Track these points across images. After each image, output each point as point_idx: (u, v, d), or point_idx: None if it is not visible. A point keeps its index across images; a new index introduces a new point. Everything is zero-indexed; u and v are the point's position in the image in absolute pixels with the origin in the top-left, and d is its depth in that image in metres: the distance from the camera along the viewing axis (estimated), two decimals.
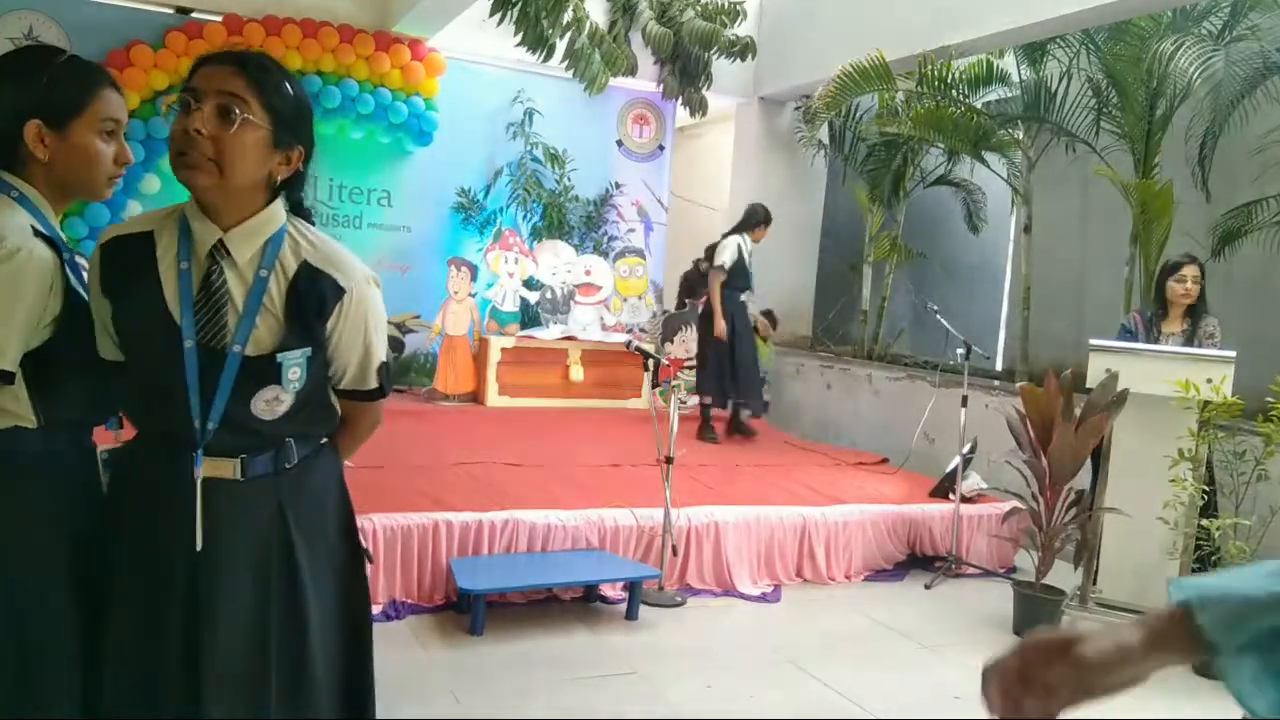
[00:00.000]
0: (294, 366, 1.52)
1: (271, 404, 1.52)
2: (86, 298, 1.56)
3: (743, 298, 6.37)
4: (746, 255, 6.29)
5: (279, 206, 1.56)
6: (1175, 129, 5.82)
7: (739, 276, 6.28)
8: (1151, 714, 3.25)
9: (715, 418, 6.33)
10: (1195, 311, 4.39)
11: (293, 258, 1.53)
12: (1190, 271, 4.37)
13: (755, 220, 6.35)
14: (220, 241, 1.49)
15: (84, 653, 1.53)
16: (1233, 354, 3.87)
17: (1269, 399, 3.55)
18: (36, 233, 1.50)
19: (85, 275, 1.60)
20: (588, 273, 7.64)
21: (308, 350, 1.53)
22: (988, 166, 6.88)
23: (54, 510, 1.53)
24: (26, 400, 1.50)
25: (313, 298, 1.52)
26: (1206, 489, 3.90)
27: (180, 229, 1.51)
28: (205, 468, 1.49)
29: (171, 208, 1.57)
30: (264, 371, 1.50)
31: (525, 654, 3.40)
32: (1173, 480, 3.77)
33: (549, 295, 7.52)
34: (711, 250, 9.07)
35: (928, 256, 8.30)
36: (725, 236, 6.41)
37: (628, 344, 4.84)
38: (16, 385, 1.48)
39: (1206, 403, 3.77)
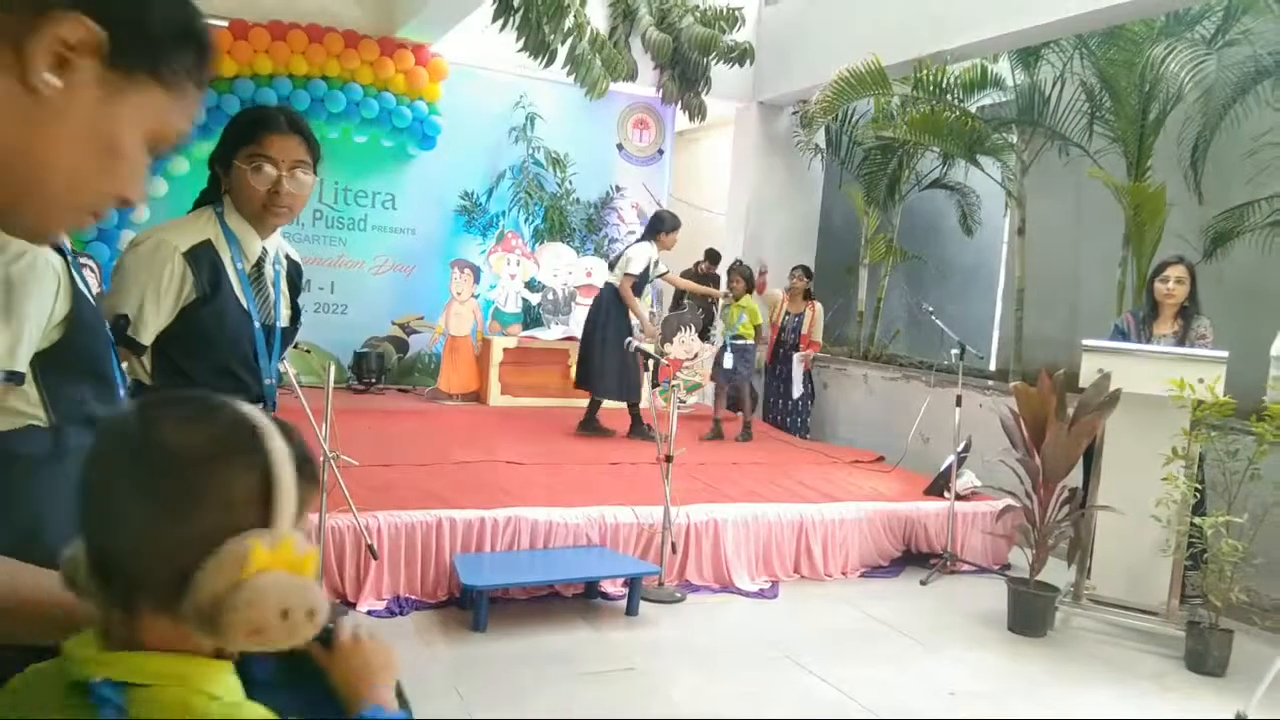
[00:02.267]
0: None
1: (282, 361, 2.11)
2: (91, 298, 1.63)
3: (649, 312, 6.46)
4: (653, 264, 6.21)
5: None
6: (1168, 132, 5.89)
7: (641, 284, 6.27)
8: (1151, 714, 3.32)
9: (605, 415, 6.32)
10: (1187, 312, 4.43)
11: (280, 253, 2.10)
12: (1174, 272, 4.41)
13: (661, 227, 6.24)
14: (263, 248, 2.03)
15: None
16: (1225, 354, 3.93)
17: (1263, 399, 3.62)
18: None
19: (88, 275, 1.68)
20: (588, 274, 7.71)
21: None
22: (982, 170, 6.95)
23: (64, 506, 1.59)
24: (39, 399, 1.55)
25: (298, 279, 2.18)
26: (1198, 487, 3.96)
27: (228, 237, 1.98)
28: None
29: (205, 216, 1.98)
30: (290, 335, 2.12)
31: (527, 650, 3.46)
32: (1165, 478, 3.83)
33: (550, 296, 7.60)
34: (710, 252, 9.17)
35: (923, 258, 8.37)
36: (635, 244, 6.38)
37: (628, 344, 4.91)
38: (28, 385, 1.53)
39: (1199, 402, 3.82)
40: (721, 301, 6.92)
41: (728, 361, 6.59)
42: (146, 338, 1.90)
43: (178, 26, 0.75)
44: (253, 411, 0.80)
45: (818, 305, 7.20)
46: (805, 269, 7.32)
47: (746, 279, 6.71)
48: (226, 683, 0.79)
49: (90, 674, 0.75)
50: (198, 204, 2.07)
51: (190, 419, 0.78)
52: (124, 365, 1.98)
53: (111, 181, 0.76)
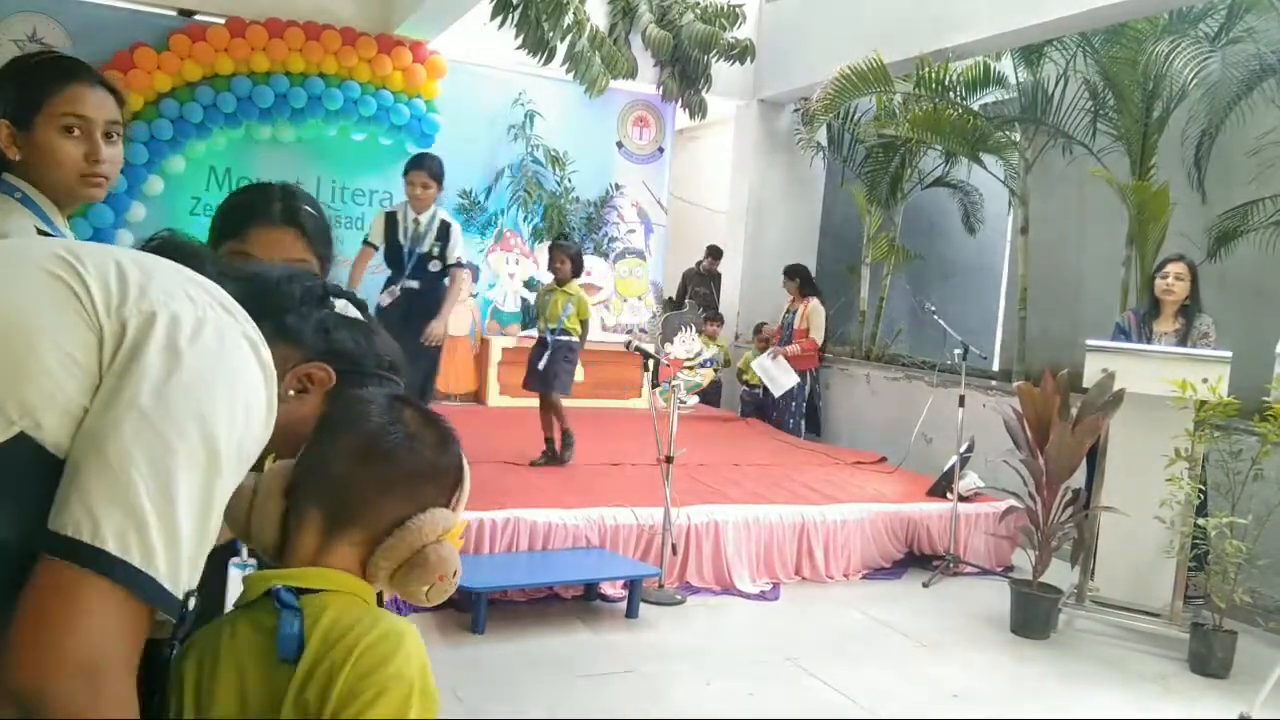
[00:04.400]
0: None
1: None
2: None
3: (397, 288, 4.73)
4: (402, 229, 4.70)
5: None
6: (1171, 131, 5.86)
7: (390, 258, 4.78)
8: (1151, 714, 3.29)
9: None
10: (1189, 310, 4.42)
11: None
12: (1174, 269, 4.40)
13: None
14: None
15: None
16: (1228, 354, 3.91)
17: (1265, 399, 3.59)
18: (42, 234, 1.51)
19: None
20: (588, 274, 7.66)
21: None
22: (985, 168, 6.92)
23: None
24: None
25: None
26: (1200, 488, 3.93)
27: None
28: None
29: None
30: None
31: (526, 652, 3.44)
32: (1169, 479, 3.80)
33: None
34: (712, 249, 9.13)
35: (925, 257, 8.34)
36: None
37: (628, 344, 4.87)
38: None
39: (1203, 403, 3.80)
40: (542, 288, 5.40)
41: (543, 362, 5.12)
42: None
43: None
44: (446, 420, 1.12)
45: (812, 301, 7.08)
46: (791, 268, 7.29)
47: (574, 259, 5.23)
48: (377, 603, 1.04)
49: (274, 583, 0.97)
50: None
51: (426, 417, 1.08)
52: None
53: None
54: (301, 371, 1.05)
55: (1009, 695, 3.42)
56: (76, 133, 1.57)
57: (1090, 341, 4.24)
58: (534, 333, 7.43)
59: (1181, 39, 5.44)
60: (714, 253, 9.06)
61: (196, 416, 0.82)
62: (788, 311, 7.23)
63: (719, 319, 8.05)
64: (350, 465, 1.01)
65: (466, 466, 1.11)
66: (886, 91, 6.72)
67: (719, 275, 8.87)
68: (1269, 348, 4.21)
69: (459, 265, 4.82)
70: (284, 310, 1.06)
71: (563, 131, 7.86)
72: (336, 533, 1.01)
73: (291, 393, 1.04)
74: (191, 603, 0.83)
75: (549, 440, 5.17)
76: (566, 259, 5.22)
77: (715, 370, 7.81)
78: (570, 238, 5.84)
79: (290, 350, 1.04)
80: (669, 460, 4.07)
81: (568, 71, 7.18)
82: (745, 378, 7.65)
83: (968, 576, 4.75)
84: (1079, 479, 4.31)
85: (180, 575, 0.80)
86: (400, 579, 1.02)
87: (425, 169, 4.68)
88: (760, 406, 7.46)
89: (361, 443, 1.02)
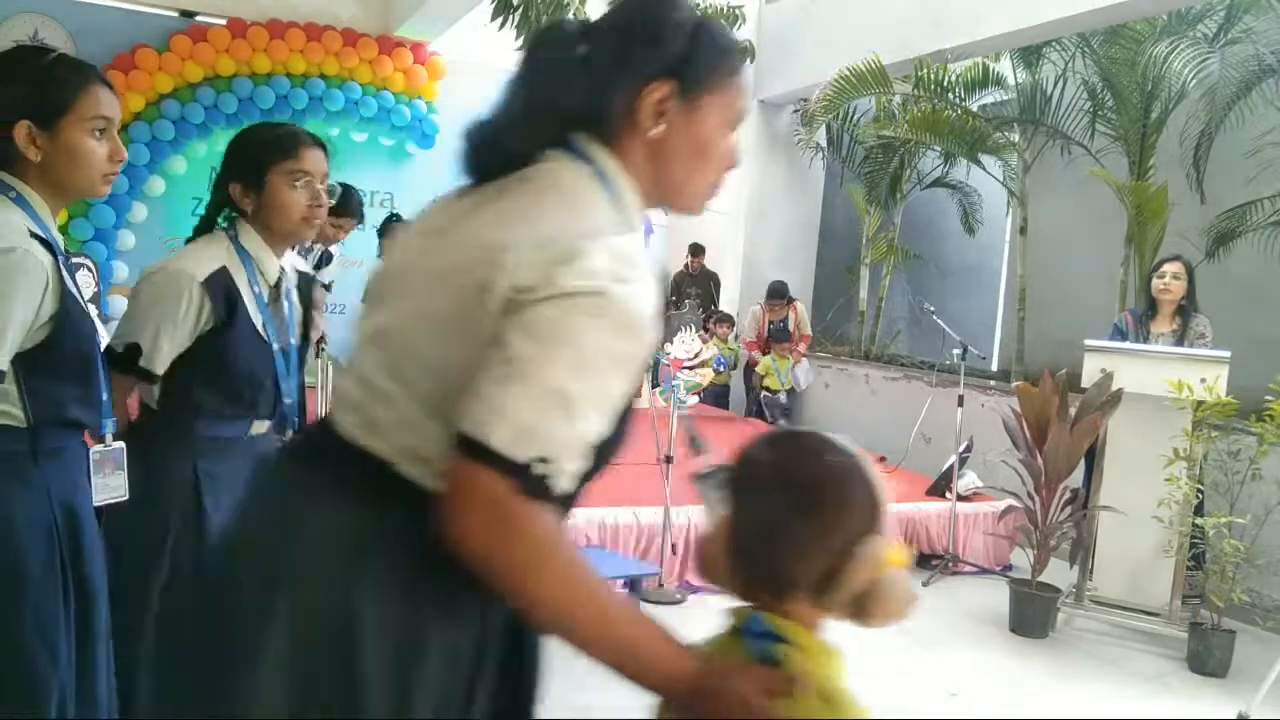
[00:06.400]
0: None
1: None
2: (81, 300, 1.58)
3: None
4: (301, 248, 4.04)
5: None
6: (1170, 131, 5.87)
7: None
8: (1153, 715, 3.30)
9: None
10: (1185, 311, 4.43)
11: (292, 269, 2.08)
12: (1170, 268, 4.41)
13: None
14: (280, 268, 2.00)
15: (73, 653, 1.55)
16: (1227, 354, 3.91)
17: (1267, 398, 3.59)
18: (33, 235, 1.51)
19: (80, 278, 1.63)
20: None
21: None
22: (984, 169, 6.93)
23: (40, 510, 1.53)
24: (18, 399, 1.50)
25: (309, 292, 2.18)
26: (1199, 487, 3.94)
27: (244, 260, 1.93)
28: (256, 427, 1.99)
29: (217, 241, 1.93)
30: (303, 352, 2.11)
31: None
32: (1167, 479, 3.81)
33: None
34: (694, 246, 9.06)
35: (924, 258, 8.35)
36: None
37: None
38: (7, 383, 1.48)
39: (1201, 403, 3.81)
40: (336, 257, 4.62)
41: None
42: (160, 367, 1.85)
43: (713, 54, 1.07)
44: (838, 437, 1.00)
45: (797, 304, 7.57)
46: (778, 289, 7.53)
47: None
48: (845, 675, 1.02)
49: (746, 620, 1.00)
50: (198, 232, 1.98)
51: (818, 452, 0.98)
52: (135, 390, 1.93)
53: (716, 168, 1.09)
54: (648, 105, 1.04)
55: (1008, 694, 3.43)
56: (99, 134, 1.60)
57: (1089, 342, 4.25)
58: None
59: (1180, 40, 5.45)
60: (695, 250, 8.92)
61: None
62: (772, 324, 7.49)
63: (728, 320, 8.02)
64: (763, 552, 0.98)
65: (875, 474, 1.00)
66: (885, 92, 6.74)
67: (714, 274, 8.84)
68: (1268, 347, 4.22)
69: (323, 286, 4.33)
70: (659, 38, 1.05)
71: None
72: (778, 596, 1.00)
73: (655, 130, 1.04)
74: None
75: None
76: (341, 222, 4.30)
77: (728, 371, 7.78)
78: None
79: (642, 85, 1.04)
80: (669, 460, 4.07)
81: None
82: (766, 383, 7.54)
83: (966, 576, 4.76)
84: (1077, 479, 4.32)
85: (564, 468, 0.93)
86: (853, 619, 0.99)
87: (358, 217, 4.43)
88: (786, 410, 7.53)
89: (761, 529, 0.98)
